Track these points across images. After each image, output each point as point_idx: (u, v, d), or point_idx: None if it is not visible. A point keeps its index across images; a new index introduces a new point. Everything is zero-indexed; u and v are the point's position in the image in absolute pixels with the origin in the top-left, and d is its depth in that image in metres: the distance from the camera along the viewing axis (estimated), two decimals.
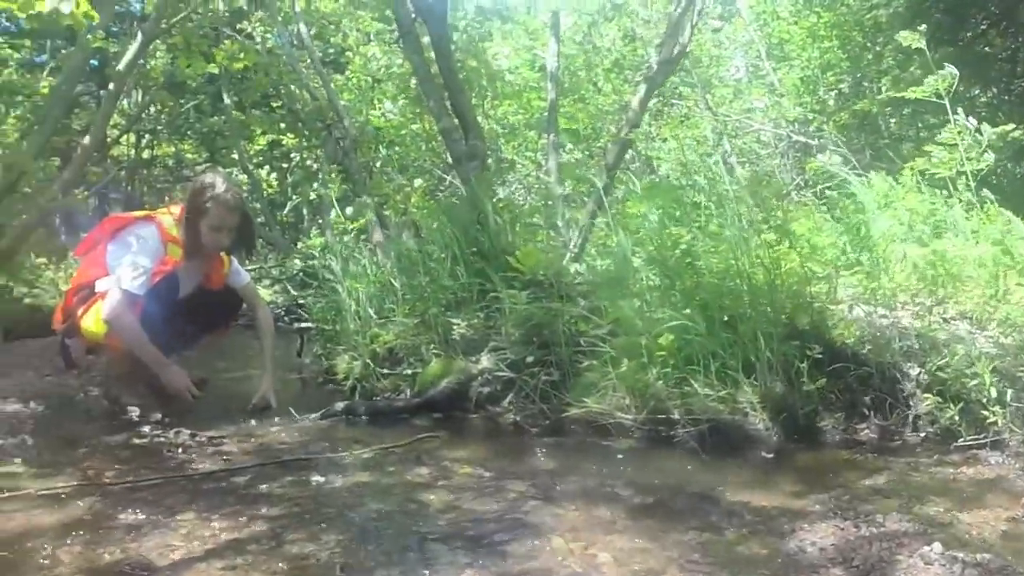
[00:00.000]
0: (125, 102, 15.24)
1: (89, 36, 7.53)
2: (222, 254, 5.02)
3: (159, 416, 4.64)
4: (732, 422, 3.91)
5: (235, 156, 15.34)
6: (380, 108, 10.93)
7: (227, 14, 11.54)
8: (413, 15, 6.37)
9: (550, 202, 5.98)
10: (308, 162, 14.69)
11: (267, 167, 16.37)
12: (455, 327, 4.80)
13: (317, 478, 3.47)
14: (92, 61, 13.46)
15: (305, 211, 15.51)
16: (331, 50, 13.79)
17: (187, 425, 4.45)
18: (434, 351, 4.88)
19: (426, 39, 6.52)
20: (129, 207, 19.91)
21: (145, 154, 18.97)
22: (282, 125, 13.82)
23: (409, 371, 4.96)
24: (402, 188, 8.79)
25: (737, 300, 4.21)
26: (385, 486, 3.37)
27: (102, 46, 9.18)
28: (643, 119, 7.18)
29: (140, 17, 10.88)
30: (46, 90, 11.13)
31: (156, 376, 4.79)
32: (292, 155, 15.40)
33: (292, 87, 11.56)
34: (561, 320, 4.42)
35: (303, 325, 6.93)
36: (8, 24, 14.53)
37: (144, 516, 3.00)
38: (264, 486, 3.38)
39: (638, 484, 3.31)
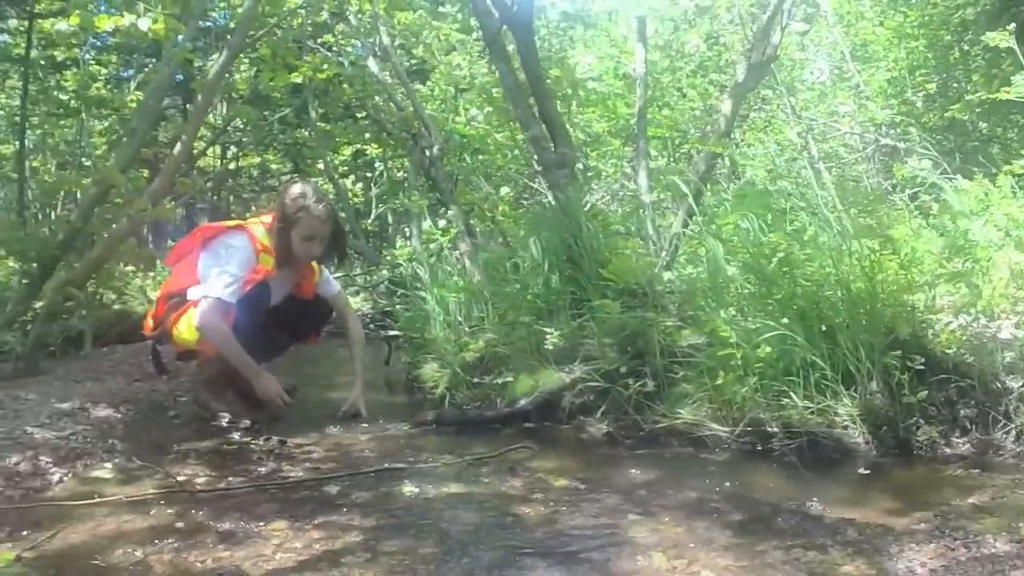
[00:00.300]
0: (211, 115, 15.45)
1: (176, 49, 7.63)
2: (313, 263, 5.06)
3: (248, 422, 4.73)
4: (830, 435, 3.80)
5: (320, 166, 15.47)
6: (465, 116, 10.92)
7: (310, 27, 11.63)
8: (499, 23, 6.35)
9: (640, 210, 5.90)
10: (393, 172, 14.76)
11: (351, 177, 16.51)
12: (548, 337, 4.76)
13: (410, 488, 3.45)
14: (177, 75, 13.72)
15: (390, 219, 15.59)
16: (413, 61, 13.85)
17: (277, 432, 4.52)
18: (525, 360, 4.84)
19: (511, 47, 6.50)
20: (215, 216, 20.22)
21: (231, 165, 19.22)
22: (367, 136, 13.91)
23: (499, 380, 4.93)
24: (488, 197, 8.77)
25: (835, 309, 4.11)
26: (479, 497, 3.33)
27: (189, 58, 9.28)
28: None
29: (225, 31, 11.02)
30: (133, 104, 11.29)
31: (247, 382, 4.85)
32: (376, 165, 15.48)
33: (376, 98, 11.60)
34: (655, 330, 4.35)
35: (391, 333, 6.95)
36: (94, 40, 14.81)
37: (235, 524, 3.01)
38: (356, 496, 3.37)
39: (737, 499, 3.23)
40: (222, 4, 13.09)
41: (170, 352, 5.10)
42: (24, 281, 8.17)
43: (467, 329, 5.50)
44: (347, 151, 16.35)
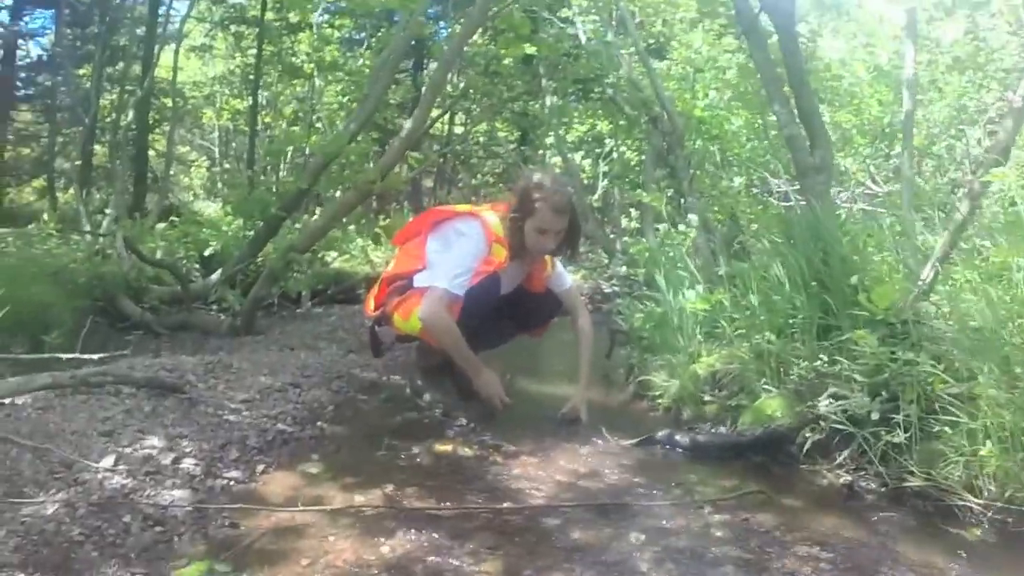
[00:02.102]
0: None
1: (412, 18, 7.53)
2: (546, 256, 4.81)
3: (464, 421, 4.53)
4: None
5: (548, 140, 15.30)
6: (704, 99, 10.48)
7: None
8: (757, 9, 5.96)
9: (900, 229, 5.36)
10: (624, 152, 14.42)
11: (581, 152, 16.30)
12: (794, 365, 4.35)
13: (635, 534, 3.13)
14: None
15: (616, 195, 15.25)
16: (651, 40, 13.48)
17: (492, 432, 4.33)
18: (764, 385, 4.46)
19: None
20: (440, 180, 20.40)
21: (458, 130, 19.28)
22: (599, 112, 13.65)
23: (732, 402, 4.59)
24: (728, 190, 8.38)
25: None
26: (714, 556, 2.98)
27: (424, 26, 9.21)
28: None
29: (465, 2, 10.92)
30: (365, 69, 11.34)
31: (467, 377, 4.66)
32: (606, 141, 15.20)
33: (612, 76, 11.27)
34: (915, 372, 3.89)
35: (614, 328, 6.66)
36: (328, 4, 15.13)
37: (446, 556, 2.81)
38: (578, 534, 3.09)
39: None
40: None
41: (389, 334, 4.93)
42: (246, 239, 8.32)
43: (700, 339, 5.15)
44: (580, 129, 16.15)
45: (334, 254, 10.27)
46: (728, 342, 5.01)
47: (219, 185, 23.09)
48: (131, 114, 14.30)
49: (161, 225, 10.17)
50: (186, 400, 4.00)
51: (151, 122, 16.67)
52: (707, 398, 4.77)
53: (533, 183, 4.57)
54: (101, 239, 8.67)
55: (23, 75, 18.57)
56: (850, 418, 3.93)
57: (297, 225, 9.22)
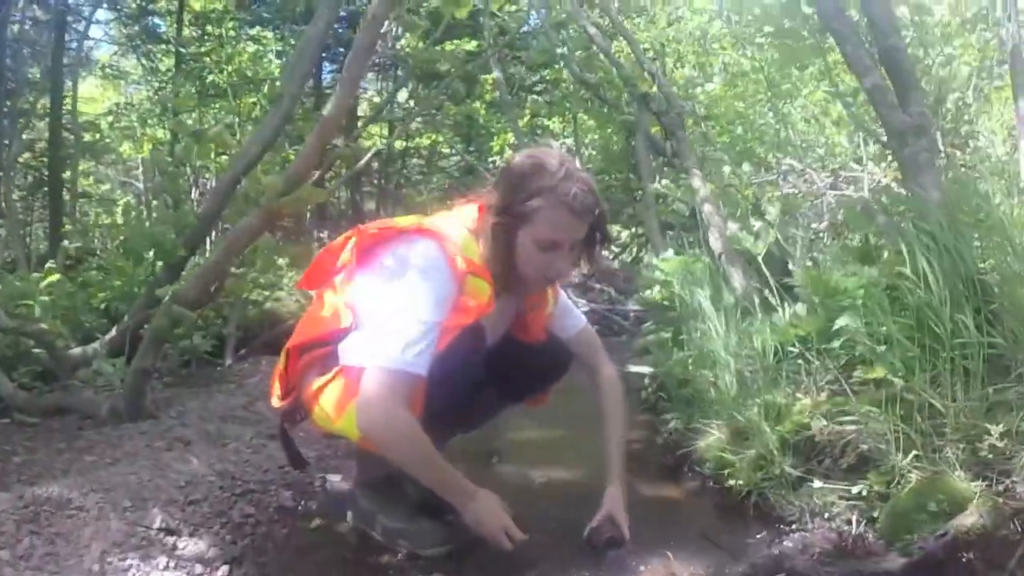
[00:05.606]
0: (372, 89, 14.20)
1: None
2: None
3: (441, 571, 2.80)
4: None
5: (495, 145, 13.78)
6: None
7: None
8: None
9: None
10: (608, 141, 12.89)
11: None
12: (988, 433, 2.68)
13: None
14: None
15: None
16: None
17: None
18: (914, 459, 2.78)
19: None
20: (383, 200, 18.68)
21: (398, 144, 17.78)
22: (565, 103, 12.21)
23: (855, 488, 2.91)
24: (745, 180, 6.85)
25: None
26: None
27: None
28: None
29: None
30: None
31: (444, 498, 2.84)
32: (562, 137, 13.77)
33: (577, 53, 9.74)
34: None
35: (634, 369, 4.98)
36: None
37: None
38: None
39: None
40: None
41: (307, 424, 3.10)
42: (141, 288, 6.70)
43: (785, 384, 3.48)
44: (521, 122, 14.51)
45: (266, 293, 8.64)
46: (821, 387, 3.37)
47: (146, 225, 21.70)
48: (15, 145, 12.98)
49: (53, 277, 8.43)
50: None
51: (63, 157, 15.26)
52: (796, 468, 3.14)
53: (527, 166, 2.77)
54: None
55: None
56: None
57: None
